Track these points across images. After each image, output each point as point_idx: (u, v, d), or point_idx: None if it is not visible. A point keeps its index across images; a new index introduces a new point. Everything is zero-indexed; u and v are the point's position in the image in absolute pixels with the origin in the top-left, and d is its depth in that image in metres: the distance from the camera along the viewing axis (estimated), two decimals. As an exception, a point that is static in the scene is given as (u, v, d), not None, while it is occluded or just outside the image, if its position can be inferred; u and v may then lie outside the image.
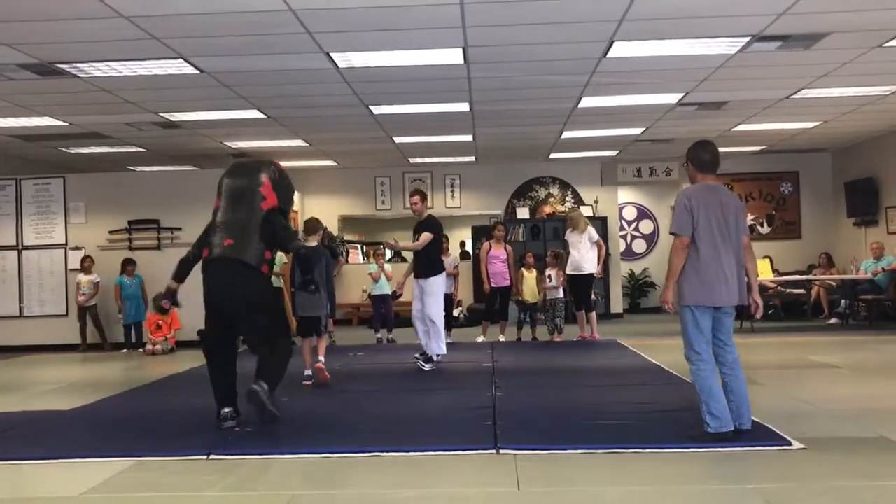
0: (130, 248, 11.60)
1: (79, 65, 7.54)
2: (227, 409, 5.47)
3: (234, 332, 5.76)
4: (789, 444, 4.67)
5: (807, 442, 4.68)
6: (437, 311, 8.28)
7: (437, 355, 8.32)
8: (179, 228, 11.58)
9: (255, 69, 7.89)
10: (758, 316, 4.96)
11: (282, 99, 9.26)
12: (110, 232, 11.67)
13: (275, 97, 9.16)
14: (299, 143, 12.14)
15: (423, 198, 8.65)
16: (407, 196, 15.19)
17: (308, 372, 7.57)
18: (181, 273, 6.02)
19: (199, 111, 9.78)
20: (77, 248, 11.67)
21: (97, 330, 11.44)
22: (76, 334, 11.40)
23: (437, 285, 8.37)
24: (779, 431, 4.91)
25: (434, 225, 8.49)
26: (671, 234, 4.87)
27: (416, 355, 8.38)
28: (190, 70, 7.80)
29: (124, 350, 11.09)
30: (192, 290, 11.16)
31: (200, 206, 11.47)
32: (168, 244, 11.62)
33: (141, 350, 10.97)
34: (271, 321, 5.65)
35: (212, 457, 4.71)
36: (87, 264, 11.38)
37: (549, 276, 10.72)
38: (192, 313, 10.98)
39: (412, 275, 8.58)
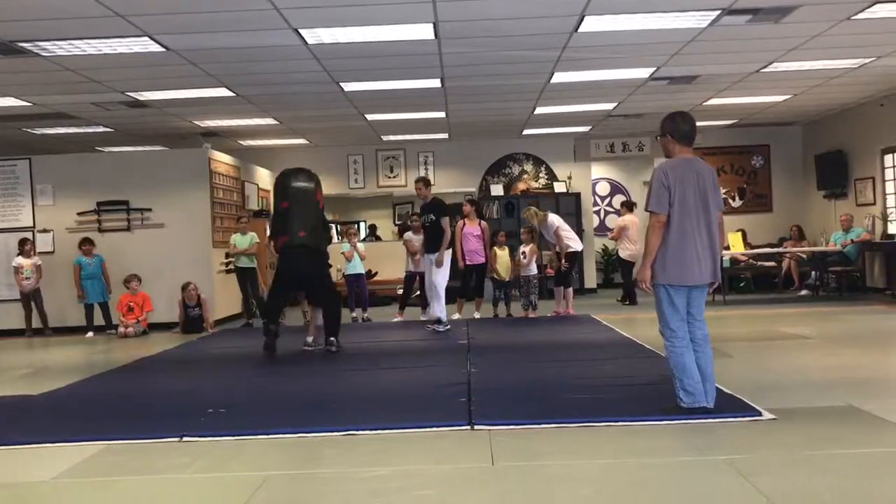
0: (100, 230, 11.44)
1: (41, 43, 7.39)
2: (273, 326, 8.06)
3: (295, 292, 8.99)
4: (760, 414, 4.73)
5: (777, 413, 4.74)
6: (440, 280, 9.33)
7: (441, 316, 9.29)
8: (149, 209, 11.45)
9: (222, 46, 7.77)
10: (711, 290, 4.94)
11: (251, 77, 9.14)
12: (78, 214, 11.49)
13: (244, 75, 9.04)
14: (270, 121, 12.01)
15: (426, 183, 9.56)
16: (381, 174, 15.17)
17: (310, 338, 8.46)
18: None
19: (166, 90, 9.64)
20: (45, 231, 11.49)
21: (39, 315, 11.12)
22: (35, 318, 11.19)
23: (444, 259, 9.39)
24: (750, 402, 4.97)
25: (442, 206, 9.48)
26: (647, 211, 4.75)
27: (428, 325, 9.50)
28: (156, 48, 7.67)
29: (89, 333, 10.87)
30: (160, 274, 11.11)
31: (170, 186, 11.43)
32: (138, 225, 11.48)
33: (110, 332, 10.84)
34: (330, 286, 8.45)
35: (185, 439, 4.68)
36: (27, 247, 11.07)
37: (524, 252, 10.74)
38: (163, 296, 11.01)
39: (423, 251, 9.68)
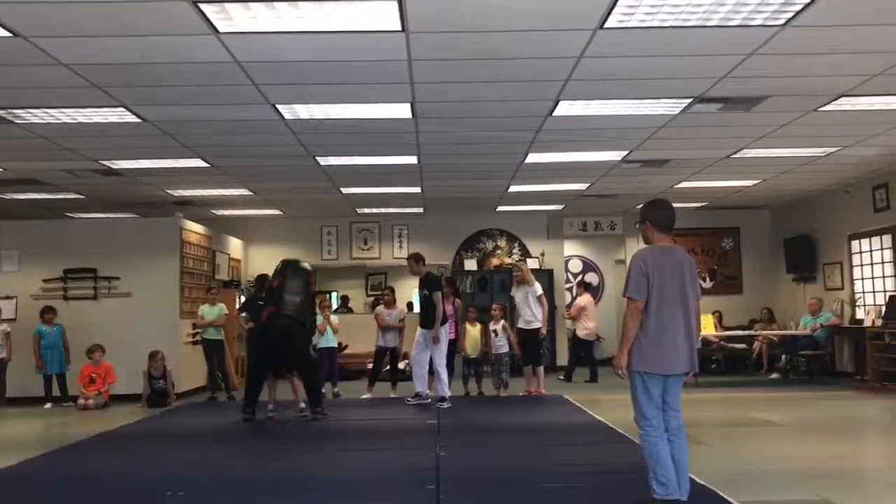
0: (65, 298, 11.21)
1: (15, 111, 7.33)
2: (249, 410, 8.42)
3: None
4: (734, 508, 4.63)
5: (751, 506, 4.65)
6: (439, 357, 9.43)
7: (445, 397, 9.32)
8: (117, 278, 11.27)
9: (199, 119, 7.77)
10: (688, 377, 4.88)
11: (226, 148, 9.14)
12: (44, 280, 11.27)
13: (219, 146, 9.04)
14: (244, 191, 11.98)
15: (416, 260, 9.70)
16: (354, 245, 15.14)
17: (271, 406, 8.85)
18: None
19: (140, 159, 9.59)
20: (8, 298, 11.23)
21: None
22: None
23: (441, 334, 9.43)
24: (723, 495, 4.86)
25: (434, 281, 9.56)
26: (625, 297, 4.70)
27: (409, 398, 9.53)
28: (132, 118, 7.65)
29: (48, 405, 10.52)
30: (125, 345, 10.88)
31: (140, 254, 11.28)
32: (105, 294, 11.28)
33: (68, 404, 10.50)
34: (309, 356, 8.95)
35: (140, 526, 4.48)
36: None
37: (495, 330, 10.65)
38: (127, 367, 10.74)
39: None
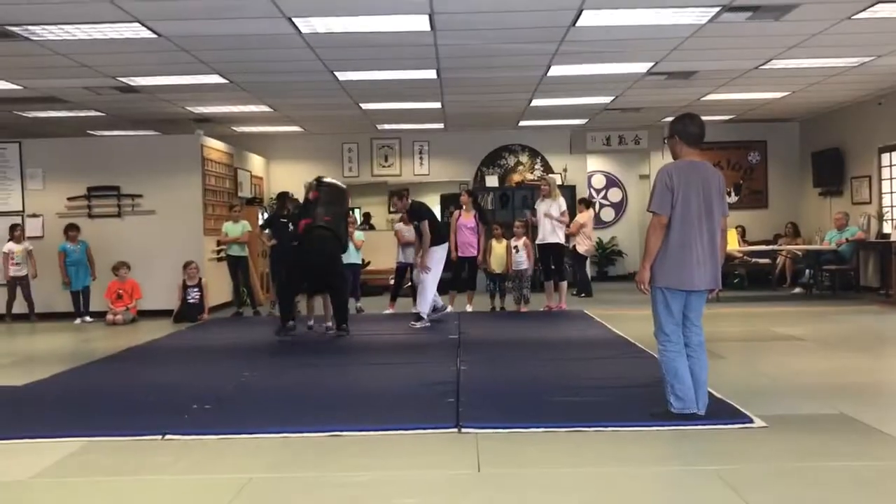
0: (90, 216, 11.32)
1: (31, 27, 7.26)
2: (291, 322, 8.64)
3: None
4: (751, 421, 4.67)
5: (768, 419, 4.68)
6: (427, 275, 9.24)
7: (421, 312, 9.18)
8: (140, 195, 11.34)
9: (214, 33, 7.65)
10: (712, 294, 4.86)
11: (244, 64, 9.02)
12: (69, 199, 11.36)
13: (237, 62, 8.92)
14: (264, 108, 11.88)
15: (399, 196, 9.63)
16: (375, 162, 15.06)
17: (310, 322, 9.09)
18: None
19: (158, 76, 9.51)
20: (34, 216, 11.37)
21: (27, 301, 10.95)
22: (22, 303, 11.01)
23: (438, 254, 9.36)
24: (741, 409, 4.90)
25: (421, 210, 9.46)
26: (649, 211, 4.66)
27: (413, 322, 9.27)
28: (147, 34, 7.55)
29: (77, 320, 10.76)
30: (150, 262, 11.04)
31: (162, 172, 11.31)
32: (129, 212, 11.37)
33: (88, 319, 10.72)
34: (343, 273, 8.95)
35: (167, 436, 4.61)
36: (17, 233, 10.94)
37: (516, 247, 10.64)
38: (153, 283, 10.91)
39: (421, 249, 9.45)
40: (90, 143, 12.78)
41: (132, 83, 9.83)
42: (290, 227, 9.24)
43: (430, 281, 9.29)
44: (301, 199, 9.38)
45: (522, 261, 10.60)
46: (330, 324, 8.83)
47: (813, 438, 4.41)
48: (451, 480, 3.82)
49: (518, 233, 10.73)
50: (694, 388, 4.68)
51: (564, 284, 10.99)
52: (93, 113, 11.90)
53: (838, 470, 3.86)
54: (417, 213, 9.41)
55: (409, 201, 9.57)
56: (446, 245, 9.59)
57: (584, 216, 12.82)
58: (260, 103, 11.50)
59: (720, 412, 4.83)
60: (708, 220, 4.60)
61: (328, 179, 8.84)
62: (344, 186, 8.91)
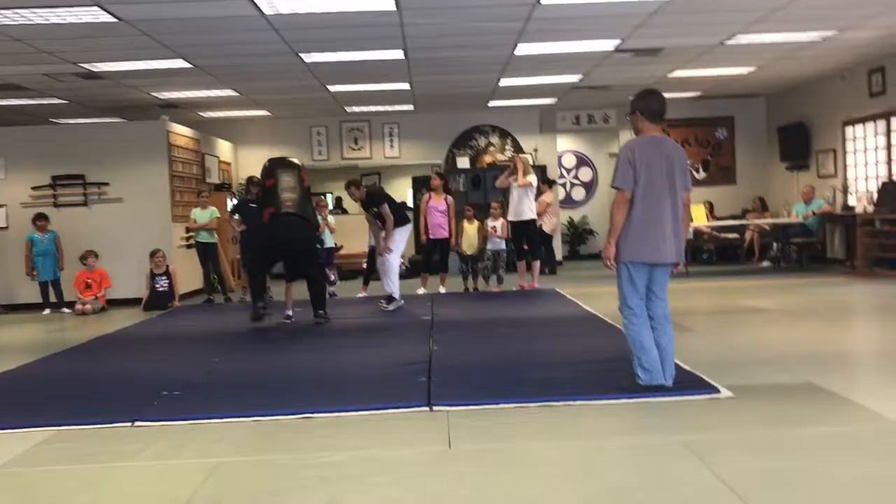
0: (56, 205, 11.16)
1: (-15, 13, 7.11)
2: (261, 303, 8.21)
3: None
4: (718, 391, 4.72)
5: (736, 389, 4.74)
6: (393, 257, 9.28)
7: (393, 293, 9.16)
8: (107, 184, 11.20)
9: (177, 17, 7.55)
10: (676, 270, 4.90)
11: (208, 48, 8.91)
12: (33, 188, 11.19)
13: (200, 46, 8.81)
14: (230, 92, 11.75)
15: (356, 186, 9.57)
16: (345, 145, 14.97)
17: (289, 311, 8.61)
18: None
19: (121, 61, 9.38)
20: (-2, 206, 11.20)
21: None
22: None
23: (399, 235, 9.34)
24: (708, 379, 4.96)
25: (377, 195, 9.50)
26: (613, 187, 4.71)
27: (381, 301, 9.30)
28: (107, 18, 7.42)
29: (46, 310, 10.61)
30: (119, 250, 10.92)
31: (128, 159, 11.17)
32: (95, 200, 11.22)
33: (65, 310, 10.60)
34: (317, 257, 8.83)
35: (136, 423, 4.57)
36: None
37: (495, 227, 10.62)
38: (122, 272, 10.80)
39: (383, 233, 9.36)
40: (53, 131, 12.58)
41: (94, 69, 9.68)
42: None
43: (394, 262, 9.28)
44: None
45: (500, 241, 10.61)
46: (290, 312, 8.54)
47: (779, 407, 4.47)
48: (423, 458, 3.83)
49: (495, 213, 10.71)
50: (661, 359, 4.74)
51: (537, 264, 11.04)
52: (55, 100, 11.70)
53: (804, 437, 3.92)
54: (375, 199, 9.32)
55: (365, 189, 9.54)
56: (408, 227, 9.51)
57: (549, 195, 12.93)
58: (226, 87, 11.38)
59: (688, 383, 4.89)
60: (671, 194, 4.65)
61: (285, 160, 8.48)
62: (296, 161, 8.55)
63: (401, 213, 9.45)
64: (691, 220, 4.99)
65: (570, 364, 5.68)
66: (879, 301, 8.87)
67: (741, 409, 4.42)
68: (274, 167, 8.24)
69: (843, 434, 3.95)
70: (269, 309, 8.35)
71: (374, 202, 9.29)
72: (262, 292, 8.39)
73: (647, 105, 4.76)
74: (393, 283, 9.22)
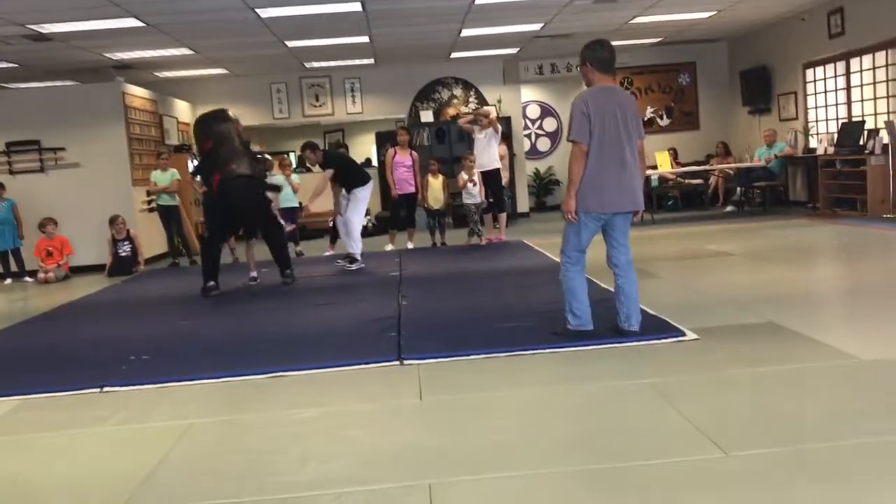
0: (11, 172, 10.89)
1: (-77, -27, 6.84)
2: (212, 283, 7.80)
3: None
4: (683, 335, 4.81)
5: (700, 332, 4.82)
6: (355, 216, 9.08)
7: (355, 254, 8.99)
8: (63, 148, 10.94)
9: (125, -27, 7.31)
10: (637, 218, 4.94)
11: (159, 5, 8.65)
12: (-14, 156, 10.92)
13: (151, 3, 8.54)
14: (185, 51, 11.48)
15: (312, 149, 9.25)
16: (306, 102, 14.76)
17: (253, 273, 8.50)
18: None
19: (69, 21, 9.07)
20: (-50, 175, 10.91)
21: None
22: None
23: (361, 194, 9.10)
24: (673, 322, 5.04)
25: (331, 158, 9.27)
26: (569, 140, 4.71)
27: (338, 260, 9.21)
28: (53, -25, 7.17)
29: (7, 280, 10.38)
30: (80, 216, 10.70)
31: (84, 123, 10.92)
32: (52, 166, 10.97)
33: (28, 279, 10.41)
34: (273, 216, 8.39)
35: (105, 389, 4.54)
36: None
37: (473, 181, 10.46)
38: (84, 238, 10.63)
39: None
40: (5, 95, 12.22)
41: (42, 31, 9.37)
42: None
43: (356, 222, 9.13)
44: None
45: (477, 193, 10.50)
46: (254, 274, 8.44)
47: (743, 347, 4.56)
48: (394, 410, 3.86)
49: (469, 166, 10.53)
50: (626, 305, 4.81)
51: (504, 216, 11.04)
52: (4, 64, 11.35)
53: (767, 375, 4.01)
54: (333, 162, 9.12)
55: (322, 152, 9.31)
56: (369, 185, 9.24)
57: (502, 148, 12.78)
58: (181, 46, 11.11)
59: (653, 328, 4.96)
60: (626, 143, 4.67)
61: (215, 115, 8.06)
62: (223, 109, 8.16)
63: (361, 173, 9.29)
64: (647, 167, 5.03)
65: (538, 314, 5.71)
66: (839, 242, 9.02)
67: (706, 351, 4.50)
68: (208, 126, 7.87)
69: (805, 371, 4.05)
70: (219, 290, 7.85)
71: (326, 166, 9.07)
72: (214, 272, 7.91)
73: (597, 55, 4.77)
74: (355, 243, 9.09)
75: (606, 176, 4.63)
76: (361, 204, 9.19)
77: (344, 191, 9.18)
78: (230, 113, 8.11)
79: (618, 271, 4.84)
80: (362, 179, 9.15)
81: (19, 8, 8.25)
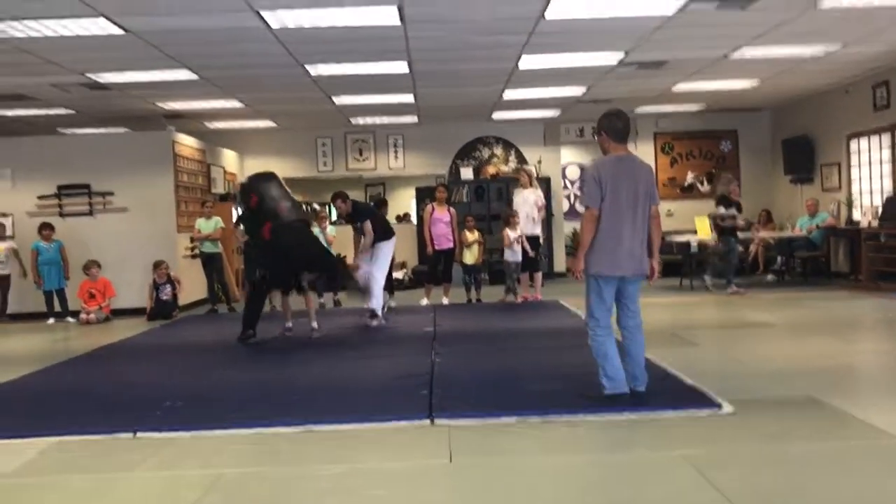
0: (61, 215, 11.20)
1: (-7, 24, 7.16)
2: (251, 331, 7.95)
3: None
4: (720, 406, 4.72)
5: (738, 404, 4.74)
6: (378, 271, 9.00)
7: (376, 310, 8.93)
8: (111, 193, 11.24)
9: (182, 28, 7.58)
10: (653, 280, 5.06)
11: (213, 59, 8.95)
12: (39, 197, 11.24)
13: (206, 57, 8.84)
14: (235, 104, 11.80)
15: (343, 198, 9.08)
16: (350, 156, 15.02)
17: (289, 324, 8.46)
18: None
19: (127, 72, 9.41)
20: (4, 215, 11.23)
21: (2, 302, 10.83)
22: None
23: (384, 248, 9.08)
24: (709, 394, 4.96)
25: (364, 210, 9.27)
26: (582, 205, 4.93)
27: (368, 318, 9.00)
28: (114, 30, 7.45)
29: (50, 320, 10.63)
30: (124, 260, 10.92)
31: (133, 169, 11.23)
32: (100, 210, 11.26)
33: (70, 319, 10.62)
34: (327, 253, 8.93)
35: (139, 434, 4.58)
36: (1, 231, 10.86)
37: (517, 238, 10.48)
38: (127, 282, 10.83)
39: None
40: (60, 140, 12.64)
41: (101, 80, 9.73)
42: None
43: (379, 277, 9.03)
44: None
45: (519, 252, 10.51)
46: (290, 324, 8.38)
47: (781, 422, 4.47)
48: (423, 471, 3.84)
49: (515, 223, 10.51)
50: (632, 366, 4.94)
51: (539, 275, 11.05)
52: (62, 111, 11.76)
53: (806, 452, 3.93)
54: (361, 214, 9.06)
55: (352, 202, 9.16)
56: (393, 241, 9.24)
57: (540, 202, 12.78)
58: (231, 98, 11.43)
59: (690, 398, 4.90)
60: (636, 210, 4.87)
61: (258, 175, 8.39)
62: (268, 172, 8.56)
63: (387, 227, 9.28)
64: (660, 232, 5.19)
65: (572, 377, 5.66)
66: (883, 316, 8.84)
67: (743, 424, 4.42)
68: (253, 184, 8.15)
69: (844, 449, 3.95)
70: (255, 337, 7.96)
71: (359, 217, 9.02)
72: (254, 320, 8.04)
73: (613, 125, 4.99)
74: (376, 299, 9.00)
75: (617, 241, 4.82)
76: (384, 259, 9.15)
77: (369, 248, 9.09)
78: (273, 172, 8.47)
79: (626, 333, 5.01)
80: (387, 234, 9.15)
81: (81, 58, 8.58)
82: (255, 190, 8.00)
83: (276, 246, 7.78)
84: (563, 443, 4.21)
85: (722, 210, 10.93)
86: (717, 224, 11.04)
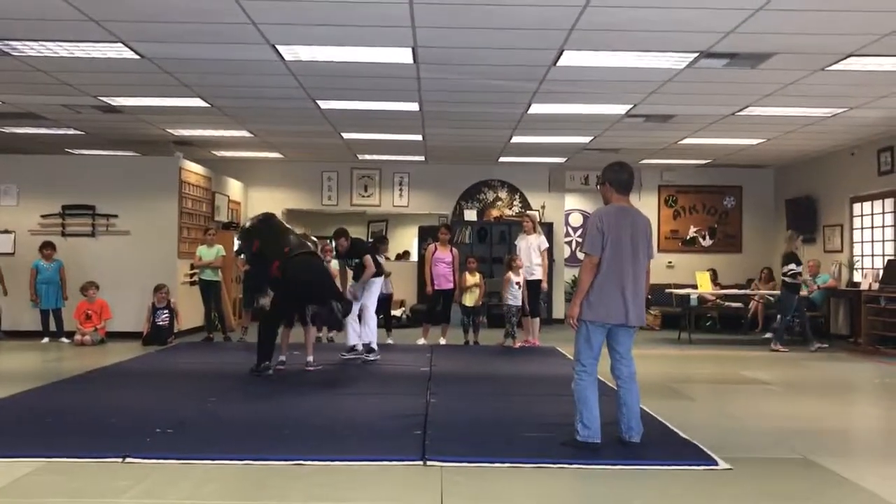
0: (63, 234, 11.22)
1: (11, 42, 7.24)
2: (266, 363, 7.82)
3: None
4: (715, 463, 4.68)
5: (732, 462, 4.69)
6: (371, 303, 9.19)
7: (366, 345, 9.04)
8: (115, 215, 11.26)
9: (198, 57, 7.67)
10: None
11: (226, 89, 9.04)
12: (42, 216, 11.27)
13: (219, 86, 8.94)
14: (244, 133, 11.89)
15: (346, 237, 9.13)
16: (355, 192, 15.08)
17: (283, 357, 8.45)
18: None
19: (139, 97, 9.50)
20: (7, 232, 11.24)
21: None
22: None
23: (376, 283, 9.25)
24: (706, 450, 4.92)
25: (363, 247, 9.35)
26: (582, 252, 5.01)
27: (343, 354, 9.05)
28: (130, 55, 7.55)
29: (45, 339, 10.60)
30: (123, 282, 10.92)
31: (138, 193, 11.27)
32: (103, 231, 11.28)
33: (64, 340, 10.58)
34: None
35: (127, 460, 4.53)
36: None
37: (518, 283, 10.52)
38: (124, 304, 10.80)
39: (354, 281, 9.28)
40: (66, 160, 12.69)
41: (113, 103, 9.81)
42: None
43: (371, 309, 9.18)
44: None
45: (520, 296, 10.54)
46: (283, 357, 8.40)
47: (774, 482, 4.42)
48: (413, 513, 3.79)
49: (517, 266, 10.57)
50: (627, 416, 4.98)
51: (537, 321, 11.02)
52: (71, 131, 11.84)
53: (799, 514, 3.87)
54: (360, 250, 9.15)
55: (351, 240, 9.20)
56: (381, 279, 9.41)
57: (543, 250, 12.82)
58: (241, 128, 11.52)
59: (686, 453, 4.85)
60: (634, 261, 4.94)
61: (258, 218, 8.44)
62: (268, 213, 8.61)
63: (378, 265, 9.32)
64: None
65: (567, 425, 5.58)
66: (880, 380, 8.80)
67: (737, 482, 4.37)
68: (254, 229, 8.20)
69: (839, 514, 3.90)
70: (271, 371, 7.90)
71: (358, 253, 9.09)
72: (269, 353, 7.93)
73: (618, 177, 5.09)
74: (371, 332, 9.12)
75: (613, 290, 4.86)
76: (375, 292, 9.27)
77: (352, 280, 9.29)
78: (272, 216, 8.52)
79: (620, 383, 5.04)
80: (379, 270, 9.29)
81: (94, 81, 8.67)
82: (255, 234, 8.10)
83: (287, 281, 7.77)
84: (555, 492, 4.16)
85: (793, 267, 10.94)
86: (786, 281, 11.04)
